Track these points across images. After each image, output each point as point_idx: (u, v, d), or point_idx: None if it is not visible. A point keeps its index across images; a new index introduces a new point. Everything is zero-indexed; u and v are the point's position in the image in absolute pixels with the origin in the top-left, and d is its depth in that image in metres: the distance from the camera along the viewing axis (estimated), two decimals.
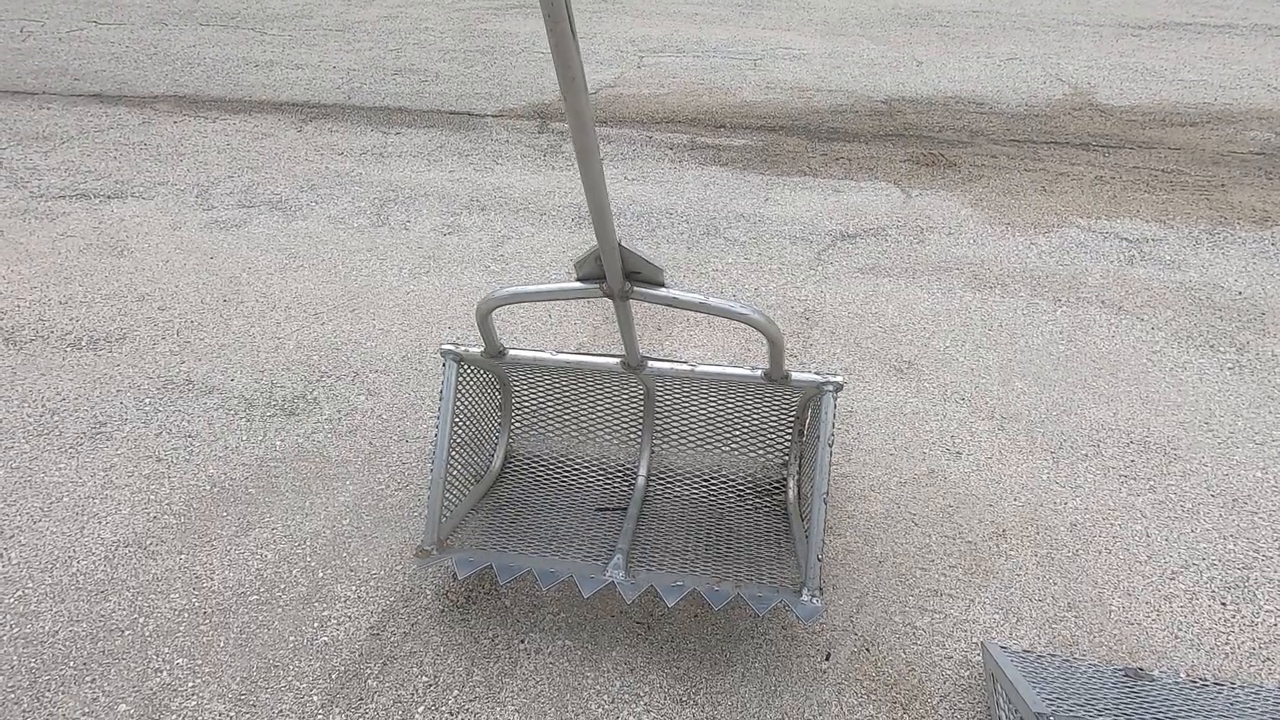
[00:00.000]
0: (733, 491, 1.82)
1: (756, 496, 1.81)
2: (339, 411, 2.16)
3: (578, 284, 1.37)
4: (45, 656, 1.50)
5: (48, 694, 1.43)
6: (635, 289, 1.34)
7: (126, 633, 1.54)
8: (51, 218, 3.27)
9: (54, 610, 1.59)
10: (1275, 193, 3.49)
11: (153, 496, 1.87)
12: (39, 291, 2.73)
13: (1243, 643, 1.53)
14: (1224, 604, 1.60)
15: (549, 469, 1.89)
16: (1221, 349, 2.41)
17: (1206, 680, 1.39)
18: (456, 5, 7.57)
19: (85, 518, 1.81)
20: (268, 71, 5.38)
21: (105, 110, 4.62)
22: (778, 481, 1.83)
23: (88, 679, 1.46)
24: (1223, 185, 3.56)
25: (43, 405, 2.18)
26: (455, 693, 1.43)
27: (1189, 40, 6.11)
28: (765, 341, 1.51)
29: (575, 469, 1.88)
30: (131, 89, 5.02)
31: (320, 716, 1.39)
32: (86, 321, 2.56)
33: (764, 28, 6.63)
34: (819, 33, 6.47)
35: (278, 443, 2.04)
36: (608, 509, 1.77)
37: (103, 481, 1.92)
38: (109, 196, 3.48)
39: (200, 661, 1.49)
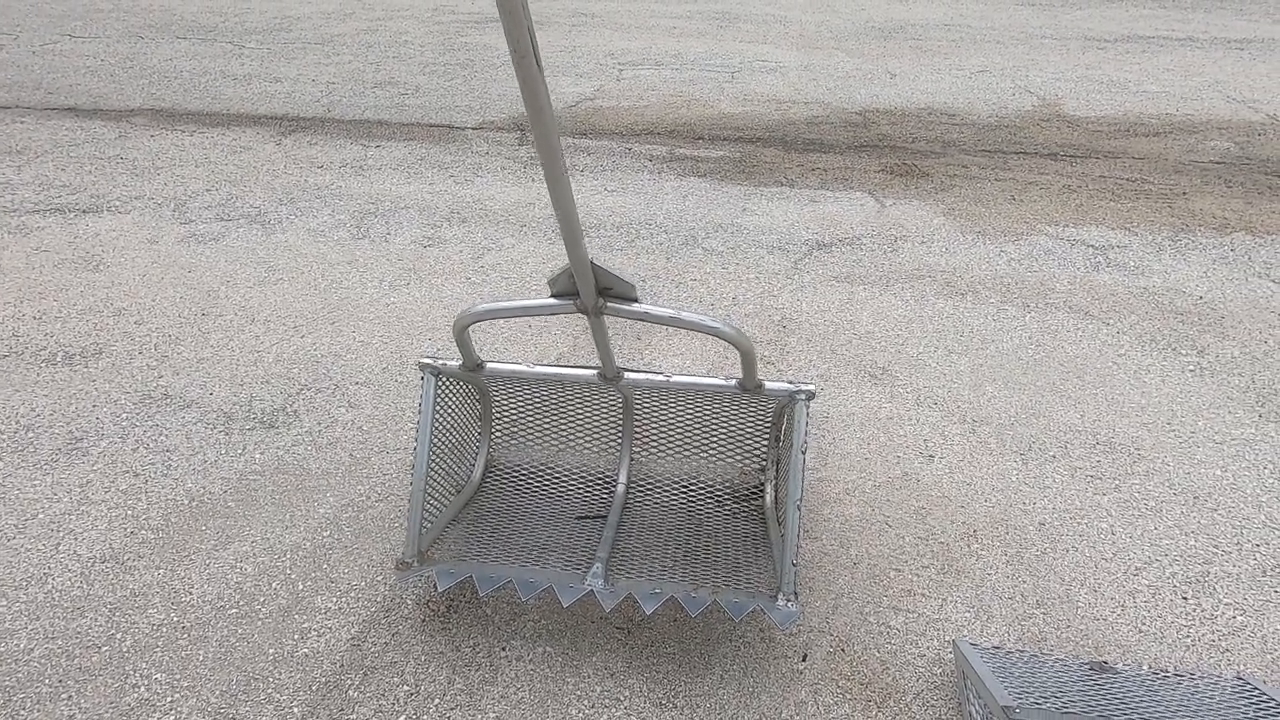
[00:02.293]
0: (711, 498, 1.85)
1: (734, 502, 1.84)
2: (319, 424, 2.16)
3: (552, 300, 1.39)
4: (20, 675, 1.48)
5: (23, 712, 1.42)
6: (609, 305, 1.37)
7: (103, 649, 1.53)
8: (25, 232, 3.24)
9: (29, 628, 1.57)
10: (1235, 200, 3.60)
11: (130, 512, 1.86)
12: (12, 307, 2.70)
13: (1203, 635, 1.58)
14: (1185, 598, 1.65)
15: (530, 479, 1.91)
16: (1183, 352, 2.49)
17: (1168, 672, 1.43)
18: (436, 19, 7.61)
19: (61, 534, 1.80)
20: (246, 85, 5.37)
21: (80, 124, 4.59)
22: (755, 487, 1.86)
23: (64, 696, 1.45)
24: (1184, 193, 3.68)
25: (17, 422, 2.16)
26: (437, 701, 1.44)
27: (1152, 53, 6.29)
28: (738, 353, 1.54)
29: (556, 478, 1.90)
30: (107, 102, 4.99)
31: None
32: (62, 337, 2.54)
33: (741, 41, 6.74)
34: (795, 46, 6.58)
35: (257, 456, 2.04)
36: (588, 517, 1.79)
37: (79, 497, 1.90)
38: (84, 211, 3.45)
39: (179, 676, 1.48)
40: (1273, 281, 2.90)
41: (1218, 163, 4.05)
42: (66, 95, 5.14)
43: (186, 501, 1.89)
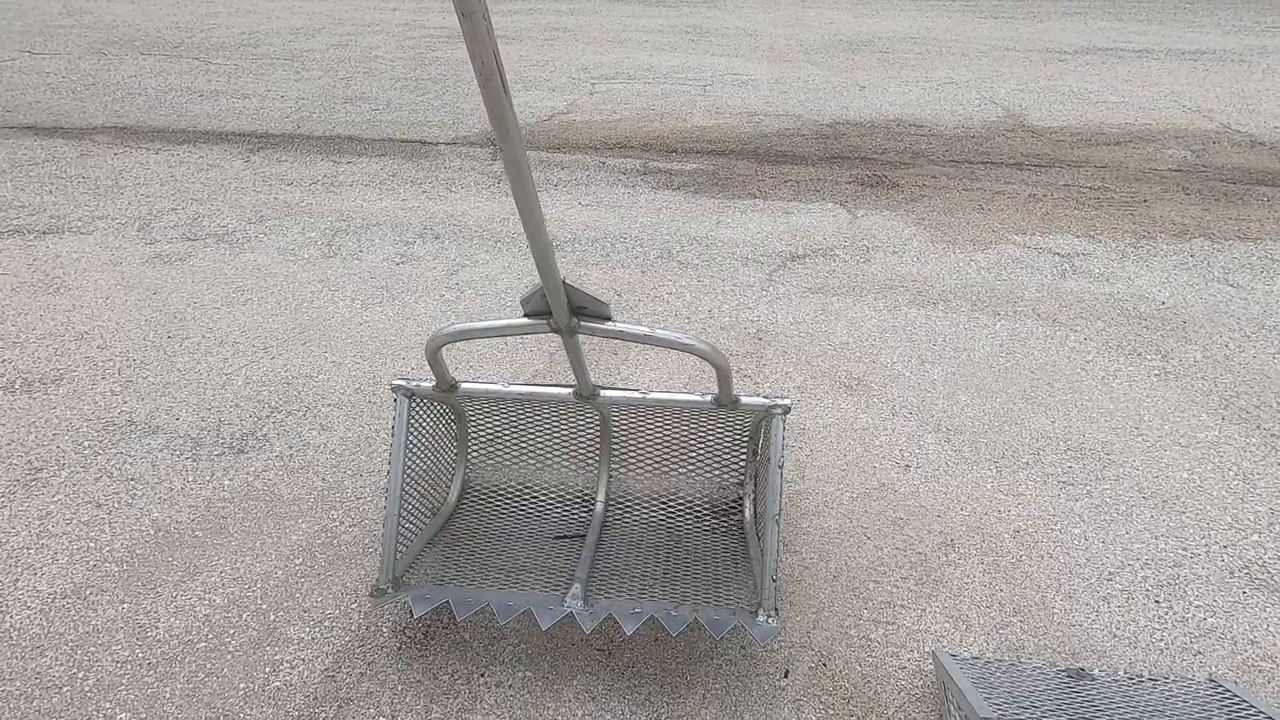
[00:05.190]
0: (690, 514, 1.84)
1: (713, 517, 1.84)
2: (290, 448, 2.11)
3: (525, 320, 1.38)
4: None
5: None
6: (582, 324, 1.36)
7: (64, 689, 1.48)
8: None
9: None
10: (1192, 207, 3.71)
11: (92, 544, 1.80)
12: None
13: (1175, 638, 1.60)
14: (1157, 601, 1.68)
15: (507, 499, 1.88)
16: (1148, 357, 2.54)
17: (1143, 676, 1.45)
18: (407, 34, 7.58)
19: (19, 569, 1.73)
20: (213, 101, 5.30)
21: (40, 142, 4.48)
22: (734, 502, 1.86)
23: None
24: (1145, 201, 3.78)
25: None
26: None
27: (1111, 64, 6.48)
28: (712, 369, 1.54)
29: (534, 498, 1.88)
30: (69, 120, 4.88)
31: None
32: (20, 363, 2.47)
33: (713, 54, 6.81)
34: (766, 59, 6.66)
35: (226, 482, 1.99)
36: (567, 536, 1.77)
37: (38, 530, 1.84)
38: (44, 232, 3.36)
39: (145, 715, 1.43)
40: (1231, 286, 2.98)
41: (1176, 170, 4.17)
42: (26, 113, 5.02)
43: (152, 532, 1.84)
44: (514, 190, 1.07)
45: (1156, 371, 2.46)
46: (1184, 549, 1.81)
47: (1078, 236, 3.39)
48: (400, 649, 1.56)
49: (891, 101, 5.38)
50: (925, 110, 5.19)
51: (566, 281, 1.29)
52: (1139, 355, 2.55)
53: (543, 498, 1.88)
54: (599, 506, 1.85)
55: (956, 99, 5.44)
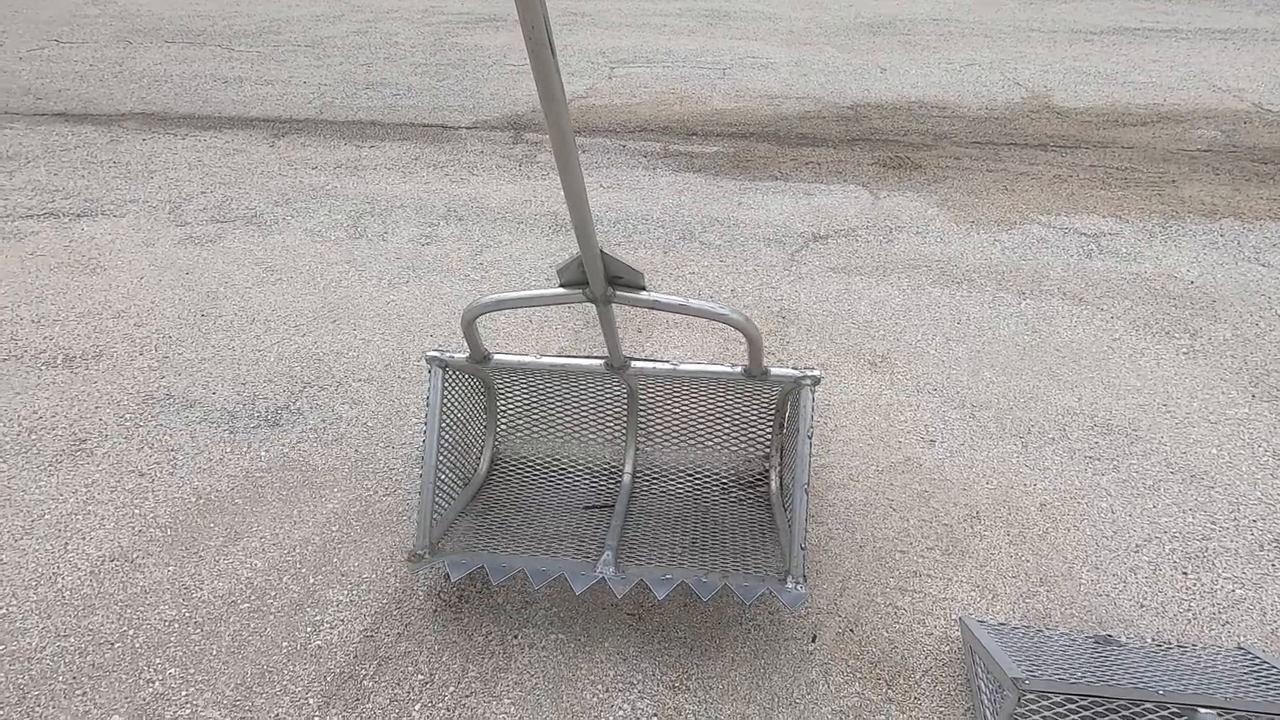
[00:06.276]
0: (717, 485, 1.87)
1: (740, 489, 1.86)
2: (323, 421, 2.16)
3: (562, 290, 1.41)
4: (34, 672, 1.49)
5: (38, 709, 1.42)
6: (618, 294, 1.38)
7: (116, 645, 1.54)
8: (19, 237, 3.23)
9: (41, 626, 1.58)
10: (1222, 187, 3.65)
11: (137, 511, 1.86)
12: (10, 311, 2.69)
13: (1204, 609, 1.60)
14: (1185, 573, 1.68)
15: (536, 470, 1.92)
16: (1176, 335, 2.52)
17: (1171, 644, 1.46)
18: (426, 20, 7.60)
19: (69, 534, 1.80)
20: (237, 88, 5.36)
21: (71, 129, 4.56)
22: (760, 473, 1.88)
23: (78, 692, 1.45)
24: (1173, 181, 3.72)
25: (19, 424, 2.15)
26: (451, 689, 1.45)
27: (1138, 44, 6.36)
28: (744, 340, 1.56)
29: (562, 469, 1.92)
30: (98, 107, 4.96)
31: (317, 718, 1.40)
32: (61, 339, 2.54)
33: (731, 38, 6.76)
34: (785, 42, 6.61)
35: (262, 453, 2.05)
36: (595, 506, 1.81)
37: (85, 498, 1.90)
38: (78, 215, 3.44)
39: (193, 670, 1.49)
40: (1262, 265, 2.94)
41: (1205, 150, 4.10)
42: (56, 100, 5.11)
43: (194, 499, 1.90)
44: (557, 155, 1.09)
45: (1185, 350, 2.45)
46: (1212, 523, 1.81)
47: (1104, 217, 3.35)
48: (436, 611, 1.61)
49: (913, 84, 5.33)
50: (948, 92, 5.13)
51: (604, 250, 1.31)
52: (1167, 334, 2.53)
53: (571, 469, 1.91)
54: (626, 477, 1.88)
55: (980, 80, 5.38)
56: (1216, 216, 3.35)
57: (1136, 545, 1.75)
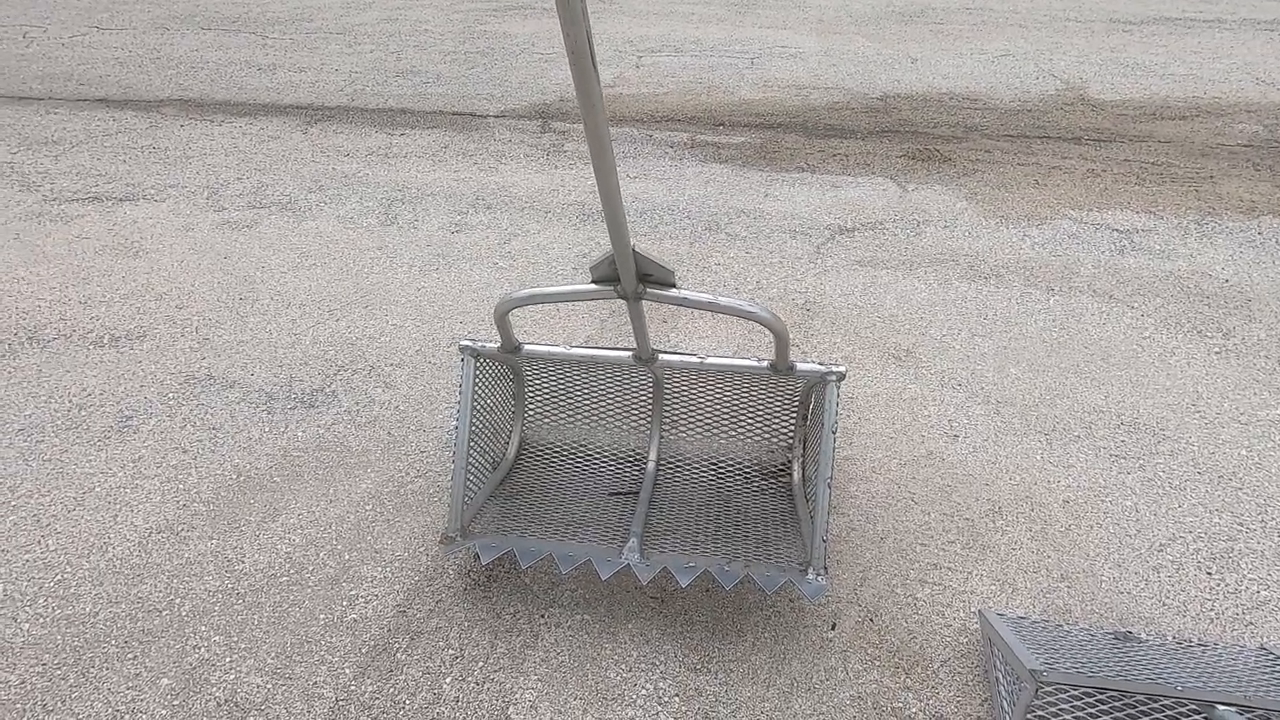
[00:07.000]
0: (739, 475, 1.90)
1: (762, 480, 1.89)
2: (357, 404, 2.23)
3: (593, 286, 1.44)
4: (87, 635, 1.57)
5: (92, 670, 1.50)
6: (648, 290, 1.41)
7: (164, 613, 1.62)
8: (65, 220, 3.34)
9: (93, 593, 1.66)
10: (1262, 184, 3.57)
11: (181, 485, 1.94)
12: (58, 292, 2.80)
13: (1226, 609, 1.61)
14: (1209, 573, 1.68)
15: (563, 457, 1.96)
16: (1209, 334, 2.49)
17: (1192, 642, 1.47)
18: (455, 7, 7.64)
19: (118, 506, 1.88)
20: (271, 75, 5.45)
21: (112, 114, 4.68)
22: (782, 465, 1.90)
23: (129, 656, 1.53)
24: (1211, 177, 3.65)
25: (69, 401, 2.24)
26: (481, 664, 1.51)
27: (1178, 35, 6.20)
28: (771, 335, 1.58)
29: (588, 456, 1.96)
30: (137, 93, 5.08)
31: (353, 687, 1.47)
32: (107, 320, 2.63)
33: (760, 27, 6.71)
34: (814, 31, 6.54)
35: (299, 434, 2.12)
36: (620, 493, 1.85)
37: (132, 472, 1.99)
38: (121, 199, 3.54)
39: (236, 638, 1.56)
40: None
41: (1245, 145, 4.00)
42: (98, 86, 5.24)
43: (234, 476, 1.97)
44: (594, 161, 1.12)
45: (1217, 349, 2.42)
46: (1239, 524, 1.80)
47: (1138, 213, 3.30)
48: (466, 590, 1.66)
49: (945, 74, 5.25)
50: (980, 83, 5.06)
51: (636, 249, 1.34)
52: (1199, 333, 2.50)
53: (596, 456, 1.95)
54: (651, 466, 1.91)
55: (1013, 71, 5.29)
56: (1255, 214, 3.28)
57: (1160, 544, 1.75)
